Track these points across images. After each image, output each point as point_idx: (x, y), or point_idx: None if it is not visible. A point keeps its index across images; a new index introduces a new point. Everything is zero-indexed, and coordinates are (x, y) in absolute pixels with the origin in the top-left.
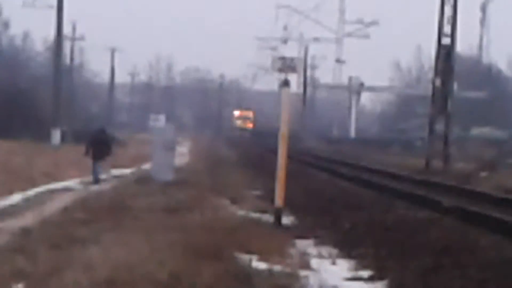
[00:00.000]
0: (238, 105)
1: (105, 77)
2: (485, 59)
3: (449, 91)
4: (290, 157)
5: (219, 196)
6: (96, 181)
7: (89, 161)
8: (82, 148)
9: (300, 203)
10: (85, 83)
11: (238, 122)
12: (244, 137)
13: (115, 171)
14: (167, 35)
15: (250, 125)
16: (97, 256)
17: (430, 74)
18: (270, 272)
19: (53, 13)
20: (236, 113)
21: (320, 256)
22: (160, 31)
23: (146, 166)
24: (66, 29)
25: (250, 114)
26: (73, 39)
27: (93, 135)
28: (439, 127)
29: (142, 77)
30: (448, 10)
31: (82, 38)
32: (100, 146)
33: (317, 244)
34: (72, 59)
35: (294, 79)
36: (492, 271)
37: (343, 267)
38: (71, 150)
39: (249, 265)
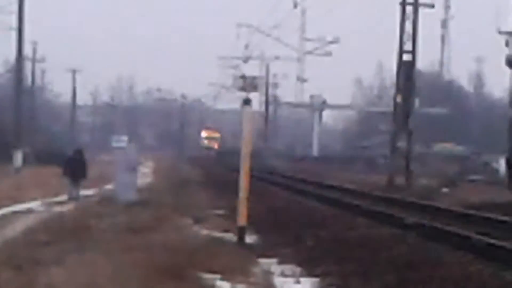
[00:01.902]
0: (200, 124)
1: (67, 98)
2: (446, 76)
3: (411, 107)
4: (253, 175)
5: (182, 216)
6: (75, 198)
7: (61, 181)
8: (44, 169)
9: (263, 222)
10: (46, 105)
11: (205, 142)
12: (209, 156)
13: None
14: (128, 56)
15: (216, 145)
16: (60, 277)
17: (392, 91)
18: None
19: (14, 34)
20: (204, 134)
21: (283, 274)
22: (122, 51)
23: (109, 186)
24: (27, 50)
25: (216, 134)
26: (34, 60)
27: (70, 156)
28: (401, 143)
29: (104, 98)
30: (408, 27)
31: (43, 59)
32: (77, 166)
33: (280, 262)
34: (33, 80)
35: (256, 98)
36: (455, 287)
37: (307, 285)
38: (33, 171)
39: (213, 285)
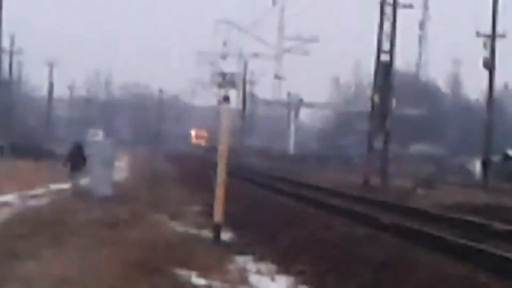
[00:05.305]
0: (177, 120)
1: (44, 91)
2: (423, 76)
3: (388, 107)
4: (229, 173)
5: (158, 211)
6: (76, 185)
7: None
8: (20, 163)
9: (240, 219)
10: (23, 97)
11: (194, 140)
12: (185, 152)
13: (53, 186)
14: (106, 50)
15: (203, 142)
16: (36, 271)
17: (369, 91)
18: None
19: None
20: (193, 132)
21: (259, 272)
22: (99, 45)
23: (85, 180)
24: (4, 42)
25: (204, 133)
26: (11, 52)
27: (71, 150)
28: (378, 143)
29: (81, 92)
30: (387, 27)
31: (20, 51)
32: (77, 158)
33: (256, 260)
34: (11, 72)
35: (234, 95)
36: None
37: (282, 283)
38: (9, 164)
39: (188, 281)
